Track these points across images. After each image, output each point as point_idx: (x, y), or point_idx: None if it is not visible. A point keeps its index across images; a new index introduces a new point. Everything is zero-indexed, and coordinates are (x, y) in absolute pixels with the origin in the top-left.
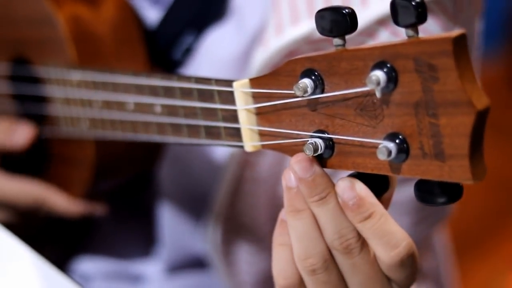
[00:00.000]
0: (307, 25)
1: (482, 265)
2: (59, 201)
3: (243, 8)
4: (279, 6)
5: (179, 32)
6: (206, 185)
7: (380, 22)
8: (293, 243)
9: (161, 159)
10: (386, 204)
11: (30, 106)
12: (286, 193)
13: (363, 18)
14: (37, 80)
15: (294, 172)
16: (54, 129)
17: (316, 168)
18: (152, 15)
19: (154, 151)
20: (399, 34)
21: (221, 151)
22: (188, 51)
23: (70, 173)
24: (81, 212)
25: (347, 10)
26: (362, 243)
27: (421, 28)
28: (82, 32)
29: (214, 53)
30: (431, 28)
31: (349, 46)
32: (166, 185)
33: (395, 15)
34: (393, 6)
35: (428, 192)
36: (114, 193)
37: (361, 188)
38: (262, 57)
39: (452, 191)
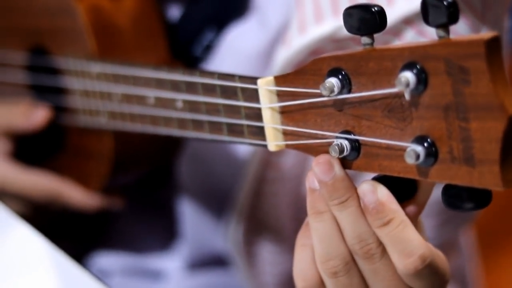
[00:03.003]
0: (331, 24)
1: (508, 264)
2: (75, 194)
3: (265, 4)
4: (302, 4)
5: (200, 28)
6: (227, 183)
7: (406, 21)
8: (314, 244)
9: (179, 153)
10: (419, 209)
11: (48, 96)
12: (309, 194)
13: (389, 17)
14: (55, 71)
15: (315, 174)
16: (72, 120)
17: (337, 171)
18: (174, 10)
19: (172, 145)
20: (426, 34)
21: (243, 149)
22: (209, 48)
23: (87, 166)
24: (98, 206)
25: (376, 8)
26: (383, 249)
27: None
28: (102, 23)
29: (235, 50)
30: (460, 28)
31: (376, 45)
32: (186, 180)
33: (426, 14)
34: (424, 5)
35: (456, 197)
36: (133, 187)
37: (383, 193)
38: (285, 56)
39: (481, 197)
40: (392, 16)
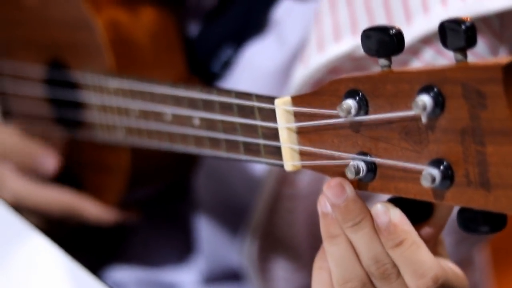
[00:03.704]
0: (350, 42)
1: None
2: (91, 209)
3: (283, 22)
4: (321, 22)
5: (218, 45)
6: (244, 199)
7: (425, 41)
8: (331, 267)
9: (196, 168)
10: (436, 230)
11: (65, 110)
12: (322, 219)
13: (408, 36)
14: (73, 85)
15: (327, 198)
16: (89, 134)
17: (349, 193)
18: (193, 26)
19: (189, 160)
20: (444, 53)
21: (259, 165)
22: (227, 64)
23: (104, 180)
24: (114, 220)
25: (394, 31)
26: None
27: None
28: (120, 38)
29: (253, 67)
30: (478, 47)
31: (394, 64)
32: (202, 195)
33: (444, 37)
34: (441, 28)
35: (471, 220)
36: (149, 201)
37: (396, 214)
38: (303, 74)
39: (496, 221)
40: (411, 35)
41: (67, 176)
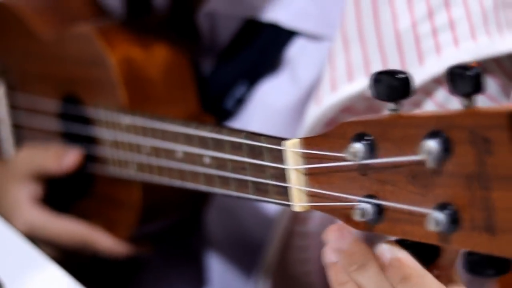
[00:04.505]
0: (363, 82)
1: None
2: (103, 242)
3: (297, 60)
4: (334, 61)
5: (232, 82)
6: (255, 235)
7: (437, 81)
8: None
9: (208, 204)
10: (445, 272)
11: (78, 145)
12: (329, 269)
13: (420, 76)
14: (86, 120)
15: (331, 245)
16: (101, 170)
17: (351, 236)
18: (206, 63)
19: (200, 197)
20: None
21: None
22: (240, 101)
23: (115, 214)
24: (126, 253)
25: (402, 76)
26: None
27: None
28: (134, 75)
29: (266, 105)
30: (490, 88)
31: (406, 104)
32: (214, 231)
33: (451, 83)
34: (449, 74)
35: (477, 264)
36: (161, 235)
37: (400, 251)
38: (316, 113)
39: (502, 265)
40: (423, 75)
41: (80, 208)
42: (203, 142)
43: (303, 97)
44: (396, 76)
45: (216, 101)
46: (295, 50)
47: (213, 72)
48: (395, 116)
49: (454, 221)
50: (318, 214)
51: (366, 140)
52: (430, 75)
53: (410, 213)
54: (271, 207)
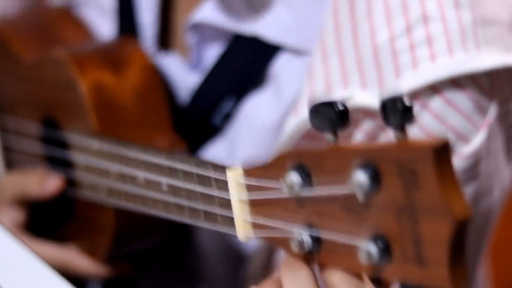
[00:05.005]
0: (341, 95)
1: None
2: (83, 266)
3: (281, 76)
4: (313, 74)
5: (219, 97)
6: (244, 247)
7: (412, 95)
8: None
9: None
10: None
11: (58, 169)
12: None
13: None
14: (64, 145)
15: None
16: (78, 193)
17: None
18: (192, 79)
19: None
20: (453, 103)
21: None
22: (228, 117)
23: (94, 237)
24: (105, 275)
25: (339, 107)
26: None
27: (450, 101)
28: (104, 100)
29: (252, 120)
30: (462, 103)
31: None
32: (205, 245)
33: (384, 115)
34: (381, 106)
35: None
36: (153, 251)
37: None
38: (294, 124)
39: None
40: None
41: (59, 229)
42: (160, 169)
43: (287, 112)
44: (332, 107)
45: (203, 117)
46: (280, 66)
47: (200, 88)
48: (329, 147)
49: (386, 253)
50: None
51: (303, 171)
52: (406, 89)
53: (345, 245)
54: None
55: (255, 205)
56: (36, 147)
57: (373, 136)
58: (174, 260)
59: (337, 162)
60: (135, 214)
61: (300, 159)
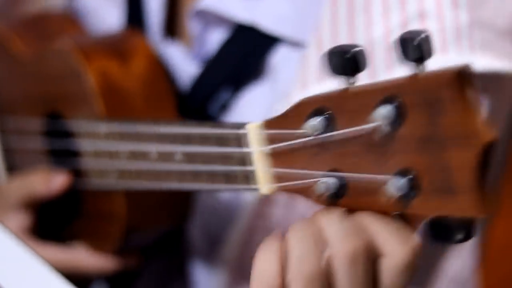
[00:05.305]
0: (332, 84)
1: None
2: (91, 262)
3: (279, 69)
4: (307, 63)
5: (216, 87)
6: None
7: None
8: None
9: (190, 217)
10: None
11: (63, 160)
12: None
13: None
14: (69, 134)
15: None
16: (84, 183)
17: None
18: (193, 68)
19: (184, 207)
20: None
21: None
22: (224, 107)
23: (104, 228)
24: (115, 268)
25: (355, 49)
26: None
27: None
28: (110, 87)
29: (248, 112)
30: None
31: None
32: (196, 243)
33: (402, 50)
34: (399, 41)
35: (442, 229)
36: (147, 249)
37: None
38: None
39: (467, 228)
40: None
41: (66, 225)
42: (175, 138)
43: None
44: (349, 50)
45: (200, 107)
46: (278, 59)
47: (200, 77)
48: (348, 88)
49: (414, 185)
50: (280, 210)
51: (324, 114)
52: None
53: (371, 182)
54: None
55: (276, 156)
56: (39, 143)
57: None
58: (166, 258)
59: (359, 102)
60: (147, 201)
61: (322, 103)
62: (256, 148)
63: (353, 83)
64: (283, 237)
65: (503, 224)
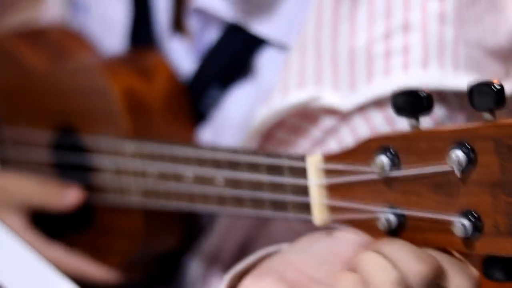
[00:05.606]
0: (312, 91)
1: None
2: (92, 273)
3: (264, 70)
4: (289, 67)
5: (206, 85)
6: None
7: (377, 103)
8: None
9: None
10: None
11: (73, 175)
12: None
13: (365, 94)
14: (82, 149)
15: None
16: (99, 199)
17: None
18: (186, 65)
19: (189, 230)
20: (393, 121)
21: None
22: (212, 105)
23: (113, 242)
24: (115, 281)
25: (424, 94)
26: None
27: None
28: (137, 104)
29: (234, 110)
30: (438, 113)
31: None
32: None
33: (473, 98)
34: (471, 91)
35: (498, 268)
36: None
37: None
38: (264, 114)
39: None
40: (368, 94)
41: (74, 232)
42: (217, 163)
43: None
44: (418, 94)
45: (193, 102)
46: (264, 60)
47: (195, 73)
48: (419, 131)
49: (479, 226)
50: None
51: (391, 152)
52: (375, 95)
53: (433, 221)
54: None
55: (335, 189)
56: (44, 155)
57: (331, 132)
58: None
59: (431, 143)
60: (163, 225)
61: (388, 142)
62: (315, 181)
63: (417, 125)
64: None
65: None
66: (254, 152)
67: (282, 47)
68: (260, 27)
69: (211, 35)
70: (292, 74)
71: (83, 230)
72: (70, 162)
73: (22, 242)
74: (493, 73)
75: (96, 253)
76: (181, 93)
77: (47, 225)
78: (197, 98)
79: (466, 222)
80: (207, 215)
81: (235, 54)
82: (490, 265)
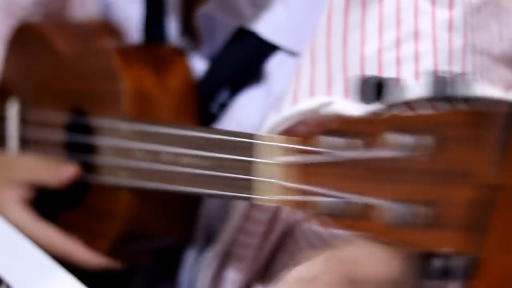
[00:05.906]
0: (322, 99)
1: None
2: (80, 255)
3: (274, 75)
4: (300, 75)
5: (217, 87)
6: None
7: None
8: None
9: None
10: None
11: (77, 154)
12: None
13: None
14: (89, 130)
15: None
16: (96, 178)
17: None
18: (198, 65)
19: (187, 221)
20: None
21: None
22: (223, 107)
23: (101, 226)
24: (102, 267)
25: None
26: None
27: None
28: (143, 94)
29: (244, 113)
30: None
31: None
32: (197, 241)
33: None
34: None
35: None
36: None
37: None
38: (273, 121)
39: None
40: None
41: (65, 213)
42: (186, 142)
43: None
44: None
45: (202, 103)
46: (274, 64)
47: (205, 74)
48: (367, 115)
49: (407, 215)
50: (264, 215)
51: (343, 135)
52: (386, 104)
53: (369, 206)
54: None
55: (289, 168)
56: (57, 135)
57: None
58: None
59: (372, 128)
60: (150, 209)
61: (337, 125)
62: (266, 158)
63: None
64: None
65: None
66: (214, 131)
67: (293, 53)
68: (269, 34)
69: (221, 39)
70: (302, 82)
71: (74, 211)
72: (77, 141)
73: (19, 234)
74: (501, 80)
75: (85, 235)
76: (192, 90)
77: (42, 205)
78: (207, 100)
79: (395, 208)
80: (207, 214)
81: (246, 57)
82: (428, 263)
